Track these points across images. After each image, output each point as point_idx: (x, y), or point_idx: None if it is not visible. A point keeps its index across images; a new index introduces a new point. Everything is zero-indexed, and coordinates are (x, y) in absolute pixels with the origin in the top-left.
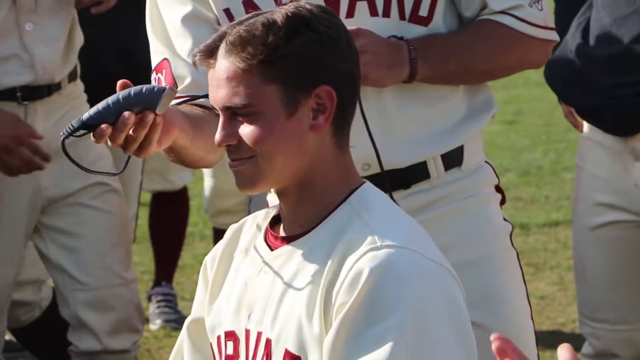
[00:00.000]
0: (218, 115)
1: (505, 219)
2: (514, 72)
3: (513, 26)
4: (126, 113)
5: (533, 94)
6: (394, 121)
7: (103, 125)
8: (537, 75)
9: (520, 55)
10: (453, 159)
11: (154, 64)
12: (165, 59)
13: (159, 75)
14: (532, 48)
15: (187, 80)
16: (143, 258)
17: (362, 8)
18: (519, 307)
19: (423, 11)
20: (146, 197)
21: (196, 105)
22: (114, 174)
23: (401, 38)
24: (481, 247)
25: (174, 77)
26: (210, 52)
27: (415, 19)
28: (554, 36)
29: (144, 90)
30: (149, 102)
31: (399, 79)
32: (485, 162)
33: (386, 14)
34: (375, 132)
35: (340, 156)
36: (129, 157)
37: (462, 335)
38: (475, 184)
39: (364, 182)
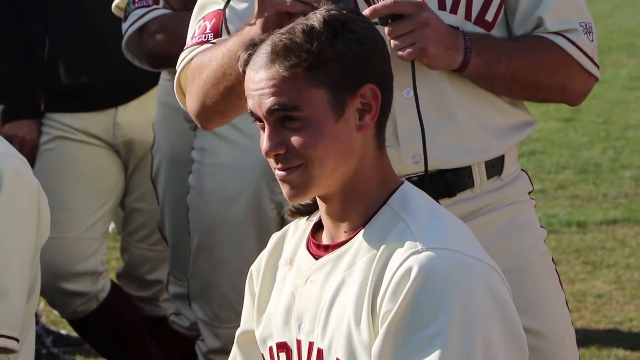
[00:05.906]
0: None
1: (541, 226)
2: (553, 98)
3: (565, 48)
4: None
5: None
6: (452, 118)
7: None
8: None
9: (565, 79)
10: (495, 167)
11: (203, 13)
12: (220, 10)
13: (206, 22)
14: (578, 77)
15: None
16: None
17: (430, 0)
18: (562, 310)
19: (489, 16)
20: None
21: None
22: None
23: (457, 28)
24: (523, 254)
25: (221, 28)
26: (245, 62)
27: (480, 21)
28: (598, 73)
29: None
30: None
31: (451, 64)
32: (521, 170)
33: (454, 10)
34: (430, 128)
35: (380, 156)
36: None
37: (511, 331)
38: (514, 192)
39: (403, 182)
